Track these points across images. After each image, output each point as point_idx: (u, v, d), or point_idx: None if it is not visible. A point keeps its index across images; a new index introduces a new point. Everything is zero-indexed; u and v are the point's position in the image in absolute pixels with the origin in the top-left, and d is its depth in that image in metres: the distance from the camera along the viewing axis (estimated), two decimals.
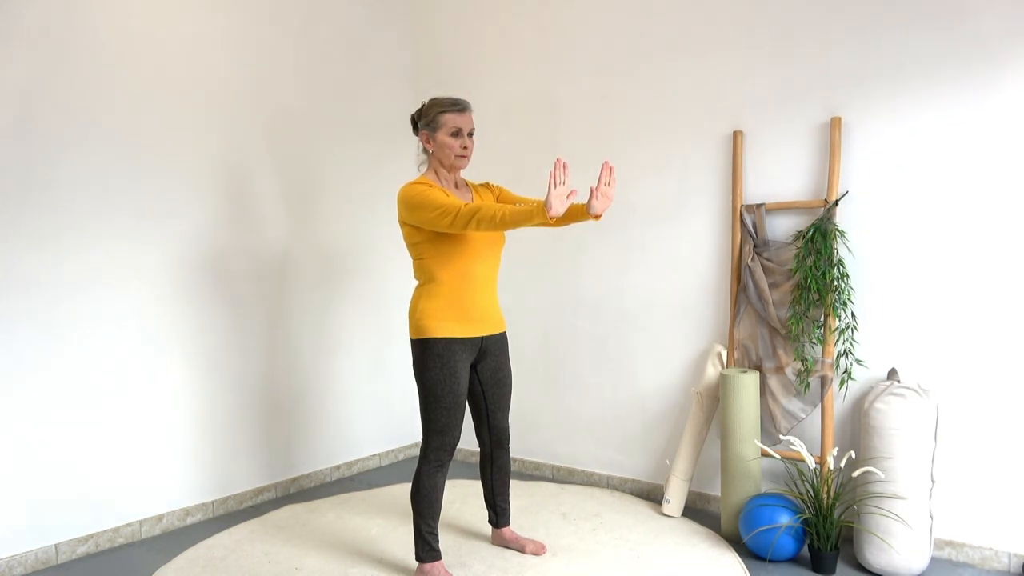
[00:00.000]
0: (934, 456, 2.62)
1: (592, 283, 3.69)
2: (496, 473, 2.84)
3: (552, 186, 2.18)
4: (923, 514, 2.58)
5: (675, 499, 3.20)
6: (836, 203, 2.89)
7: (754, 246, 3.11)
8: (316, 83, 3.85)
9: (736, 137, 3.17)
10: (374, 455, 4.15)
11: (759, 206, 3.09)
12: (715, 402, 3.20)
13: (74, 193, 2.94)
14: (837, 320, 2.90)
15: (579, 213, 2.50)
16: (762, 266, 3.08)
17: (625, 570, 2.67)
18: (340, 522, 3.23)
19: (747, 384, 2.93)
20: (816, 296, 2.89)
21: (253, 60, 3.56)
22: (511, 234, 3.95)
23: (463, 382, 2.56)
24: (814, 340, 2.95)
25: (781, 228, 3.09)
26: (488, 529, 3.10)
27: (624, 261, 3.57)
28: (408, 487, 3.72)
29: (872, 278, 2.88)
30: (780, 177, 3.09)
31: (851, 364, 2.93)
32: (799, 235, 2.98)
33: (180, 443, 3.28)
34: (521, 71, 3.91)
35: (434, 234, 2.52)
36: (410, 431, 4.37)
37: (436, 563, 2.59)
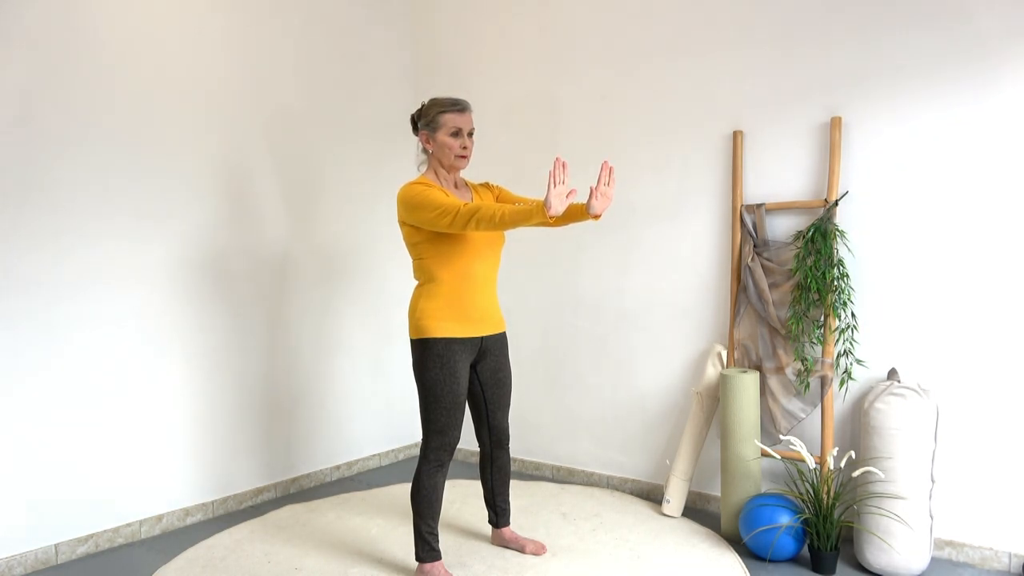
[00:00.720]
0: (934, 456, 2.62)
1: (592, 283, 3.69)
2: (496, 473, 2.84)
3: (551, 185, 2.18)
4: (923, 514, 2.58)
5: (675, 499, 3.20)
6: (836, 203, 2.89)
7: (754, 246, 3.11)
8: (316, 83, 3.85)
9: (736, 137, 3.17)
10: (374, 455, 4.15)
11: (759, 206, 3.09)
12: (715, 402, 3.20)
13: (74, 193, 2.94)
14: (837, 320, 2.90)
15: (579, 213, 2.50)
16: (762, 266, 3.08)
17: (625, 570, 2.67)
18: (340, 522, 3.23)
19: (747, 384, 2.93)
20: (816, 296, 2.89)
21: (253, 60, 3.56)
22: (511, 234, 3.95)
23: (463, 382, 2.56)
24: (814, 340, 2.95)
25: (781, 228, 3.09)
26: (488, 529, 3.10)
27: (624, 261, 3.57)
28: (408, 487, 3.72)
29: (872, 278, 2.88)
30: (780, 177, 3.09)
31: (851, 364, 2.93)
32: (799, 235, 2.98)
33: (180, 443, 3.28)
34: (521, 71, 3.91)
35: (434, 234, 2.52)
36: (410, 431, 4.37)
37: (436, 563, 2.58)
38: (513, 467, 4.04)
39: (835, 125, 2.91)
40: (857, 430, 2.92)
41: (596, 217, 2.34)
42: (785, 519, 2.69)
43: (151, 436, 3.18)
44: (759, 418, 3.01)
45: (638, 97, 3.49)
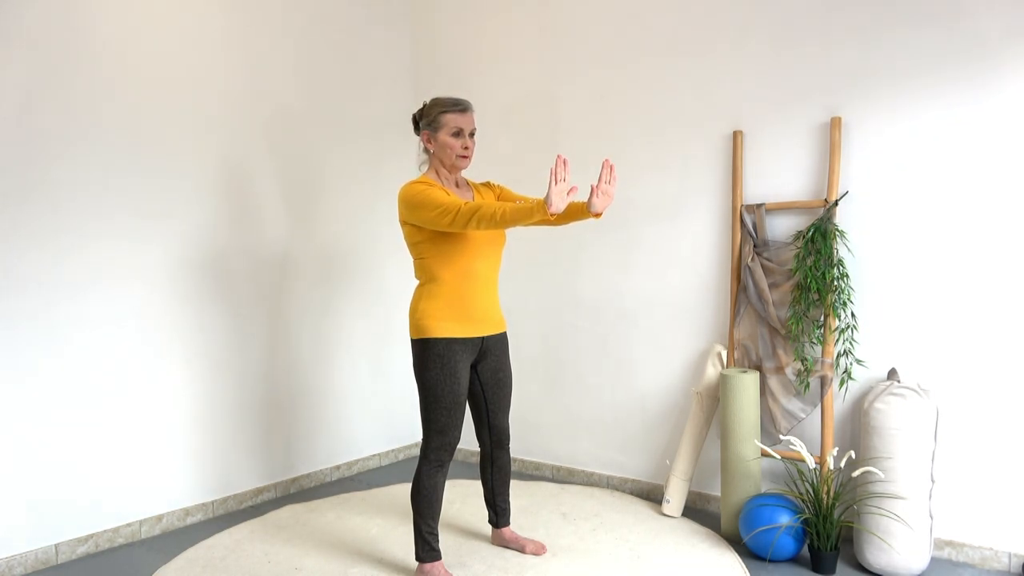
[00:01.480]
0: (934, 456, 2.62)
1: (592, 283, 3.69)
2: (496, 473, 2.84)
3: (553, 182, 2.18)
4: (923, 514, 2.58)
5: (675, 499, 3.20)
6: (836, 203, 2.89)
7: (754, 246, 3.11)
8: (316, 83, 3.85)
9: (736, 137, 3.17)
10: (374, 455, 4.15)
11: (759, 206, 3.09)
12: (715, 402, 3.20)
13: (74, 193, 2.94)
14: (837, 320, 2.90)
15: (580, 211, 2.50)
16: (762, 266, 3.08)
17: (625, 570, 2.67)
18: (340, 522, 3.23)
19: (747, 384, 2.93)
20: (816, 296, 2.89)
21: (253, 60, 3.56)
22: (512, 234, 3.95)
23: (463, 382, 2.56)
24: (814, 340, 2.95)
25: (781, 228, 3.09)
26: (488, 529, 3.10)
27: (624, 261, 3.57)
28: (408, 487, 3.72)
29: (872, 278, 2.88)
30: (780, 177, 3.09)
31: (851, 364, 2.93)
32: (799, 235, 2.98)
33: (180, 443, 3.28)
34: (521, 71, 3.91)
35: (435, 233, 2.52)
36: (410, 431, 4.37)
37: (436, 563, 2.58)
38: (513, 467, 4.04)
39: (835, 125, 2.91)
40: (857, 430, 2.92)
41: (597, 215, 2.34)
42: (785, 519, 2.69)
43: (151, 436, 3.18)
44: (759, 418, 3.01)
45: (638, 97, 3.49)
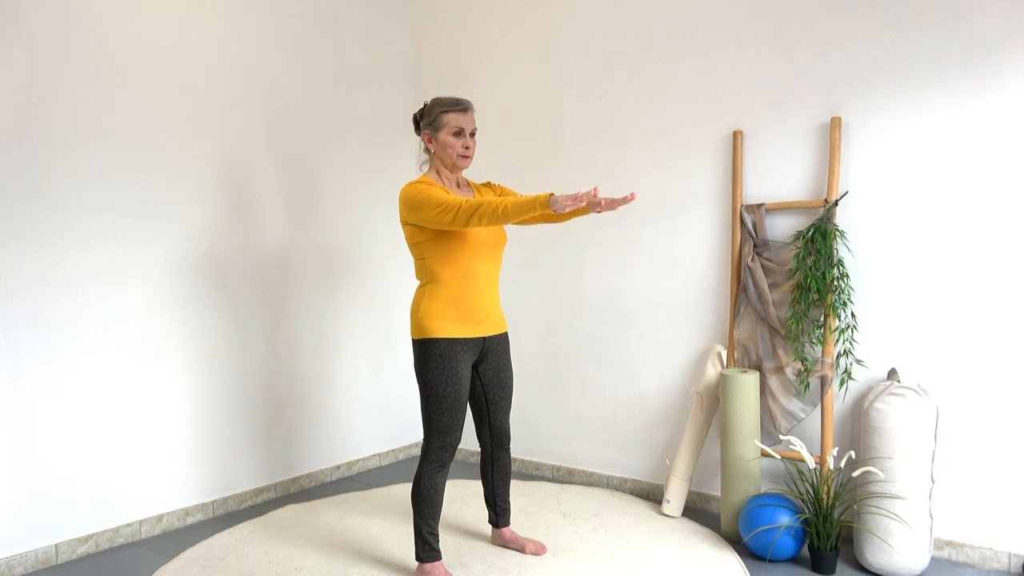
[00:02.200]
0: (934, 456, 2.62)
1: (592, 283, 3.69)
2: (497, 473, 2.84)
3: (573, 197, 2.16)
4: (923, 514, 2.58)
5: (675, 499, 3.20)
6: (836, 203, 2.89)
7: (754, 246, 3.11)
8: (316, 83, 3.85)
9: (736, 137, 3.17)
10: (374, 455, 4.15)
11: (759, 206, 3.09)
12: (715, 402, 3.20)
13: (74, 193, 2.94)
14: (837, 320, 2.90)
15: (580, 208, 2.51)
16: (762, 266, 3.08)
17: (625, 570, 2.67)
18: (340, 522, 3.23)
19: (747, 384, 2.93)
20: (816, 296, 2.89)
21: (254, 60, 3.56)
22: (512, 234, 3.95)
23: (465, 382, 2.56)
24: (814, 340, 2.95)
25: (781, 228, 3.09)
26: (488, 529, 3.10)
27: (624, 261, 3.57)
28: (408, 487, 3.72)
29: (872, 278, 2.89)
30: (780, 177, 3.09)
31: (851, 364, 2.93)
32: (799, 235, 2.98)
33: (180, 443, 3.28)
34: (521, 71, 3.91)
35: (436, 234, 2.52)
36: (410, 431, 4.37)
37: (436, 563, 2.58)
38: (513, 467, 4.04)
39: (835, 125, 2.91)
40: (857, 430, 2.93)
41: (598, 211, 2.32)
42: (785, 519, 2.69)
43: (151, 436, 3.18)
44: (759, 418, 3.01)
45: (638, 97, 3.49)
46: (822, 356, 2.92)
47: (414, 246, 2.58)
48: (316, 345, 3.85)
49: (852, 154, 2.91)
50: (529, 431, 3.98)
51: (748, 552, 2.86)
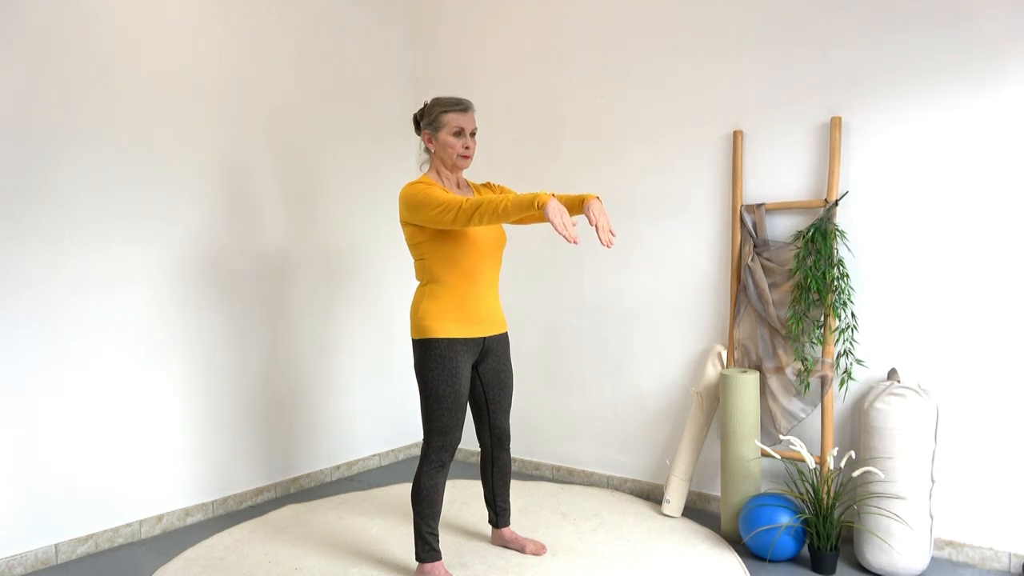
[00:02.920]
0: (934, 456, 2.62)
1: (592, 283, 3.69)
2: (496, 473, 2.84)
3: (559, 224, 2.19)
4: (923, 514, 2.58)
5: (675, 499, 3.20)
6: (836, 203, 2.89)
7: (754, 246, 3.11)
8: (316, 83, 3.85)
9: (736, 137, 3.17)
10: (374, 455, 4.15)
11: (759, 206, 3.09)
12: (715, 402, 3.20)
13: (74, 194, 2.94)
14: (837, 320, 2.90)
15: (573, 208, 2.52)
16: (762, 266, 3.08)
17: (625, 570, 2.67)
18: (340, 522, 3.23)
19: (747, 384, 2.93)
20: (816, 296, 2.89)
21: (253, 60, 3.56)
22: (512, 234, 3.95)
23: (465, 383, 2.56)
24: (814, 340, 2.95)
25: (781, 228, 3.09)
26: (488, 529, 3.10)
27: (624, 261, 3.57)
28: (408, 487, 3.72)
29: (872, 278, 2.89)
30: (780, 177, 3.09)
31: (851, 364, 2.93)
32: (799, 235, 2.98)
33: (180, 443, 3.28)
34: (521, 71, 3.91)
35: (436, 234, 2.52)
36: (410, 431, 4.37)
37: (436, 563, 2.58)
38: (513, 467, 4.04)
39: (835, 125, 2.91)
40: (857, 430, 2.93)
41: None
42: (785, 519, 2.69)
43: (151, 436, 3.18)
44: (759, 418, 3.01)
45: (638, 97, 3.49)
46: (822, 356, 2.92)
47: (414, 246, 2.58)
48: (316, 345, 3.85)
49: (852, 154, 2.91)
50: (529, 431, 3.98)
51: (748, 552, 2.86)
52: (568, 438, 3.83)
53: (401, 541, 3.00)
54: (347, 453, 4.01)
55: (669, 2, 3.38)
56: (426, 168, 2.70)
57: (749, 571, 2.70)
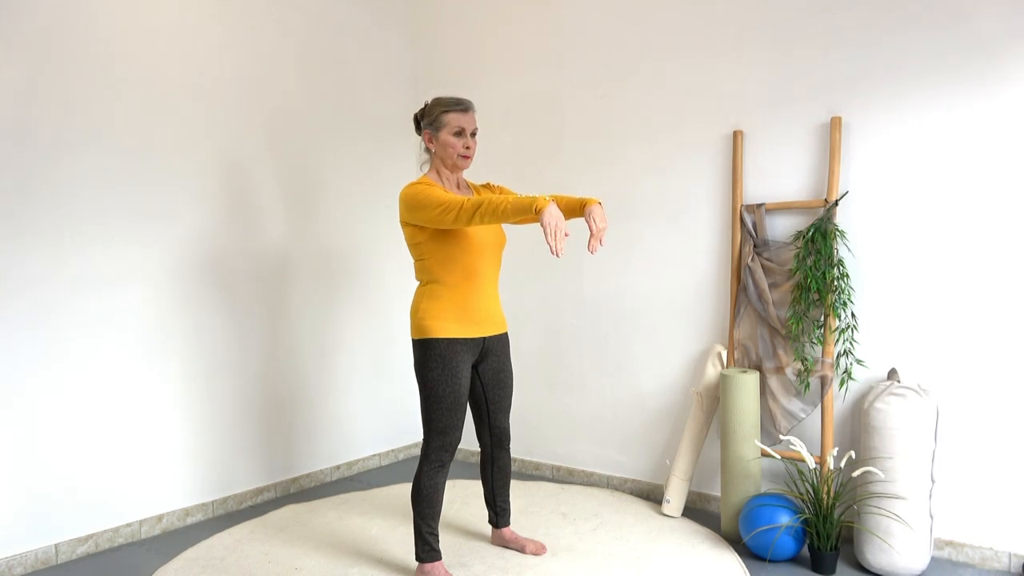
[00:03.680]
0: (934, 456, 2.62)
1: (592, 283, 3.69)
2: (496, 473, 2.84)
3: (551, 235, 2.20)
4: (923, 514, 2.58)
5: (675, 499, 3.20)
6: (836, 203, 2.89)
7: (754, 246, 3.11)
8: (316, 83, 3.85)
9: (736, 137, 3.17)
10: (374, 455, 4.15)
11: (759, 206, 3.09)
12: (715, 402, 3.20)
13: (75, 194, 2.94)
14: (837, 320, 2.90)
15: (573, 211, 2.52)
16: (762, 266, 3.08)
17: (625, 570, 2.67)
18: (340, 522, 3.23)
19: (747, 384, 2.93)
20: (816, 296, 2.89)
21: (253, 60, 3.56)
22: (512, 234, 3.95)
23: (465, 383, 2.56)
24: (814, 340, 2.95)
25: (781, 228, 3.09)
26: (488, 529, 3.10)
27: (624, 261, 3.57)
28: (408, 487, 3.72)
29: (872, 278, 2.89)
30: (780, 177, 3.09)
31: (851, 364, 2.93)
32: (799, 235, 2.98)
33: (180, 443, 3.28)
34: (521, 71, 3.91)
35: (436, 234, 2.52)
36: (410, 431, 4.37)
37: (436, 563, 2.58)
38: (513, 467, 4.04)
39: (835, 125, 2.91)
40: (857, 430, 2.93)
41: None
42: (785, 519, 2.69)
43: (151, 436, 3.18)
44: (759, 418, 3.01)
45: (638, 97, 3.49)
46: (822, 356, 2.92)
47: (414, 247, 2.58)
48: (316, 345, 3.85)
49: (852, 154, 2.91)
50: (529, 431, 3.98)
51: (748, 552, 2.86)
52: (568, 438, 3.83)
53: (401, 541, 3.00)
54: (347, 453, 4.01)
55: (669, 2, 3.38)
56: (426, 168, 2.70)
57: (749, 571, 2.70)
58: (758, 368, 3.11)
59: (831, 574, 2.66)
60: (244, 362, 3.52)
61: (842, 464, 2.73)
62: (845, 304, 2.88)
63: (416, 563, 2.71)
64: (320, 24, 3.88)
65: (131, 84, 3.10)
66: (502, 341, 2.72)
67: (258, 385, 3.58)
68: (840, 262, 2.86)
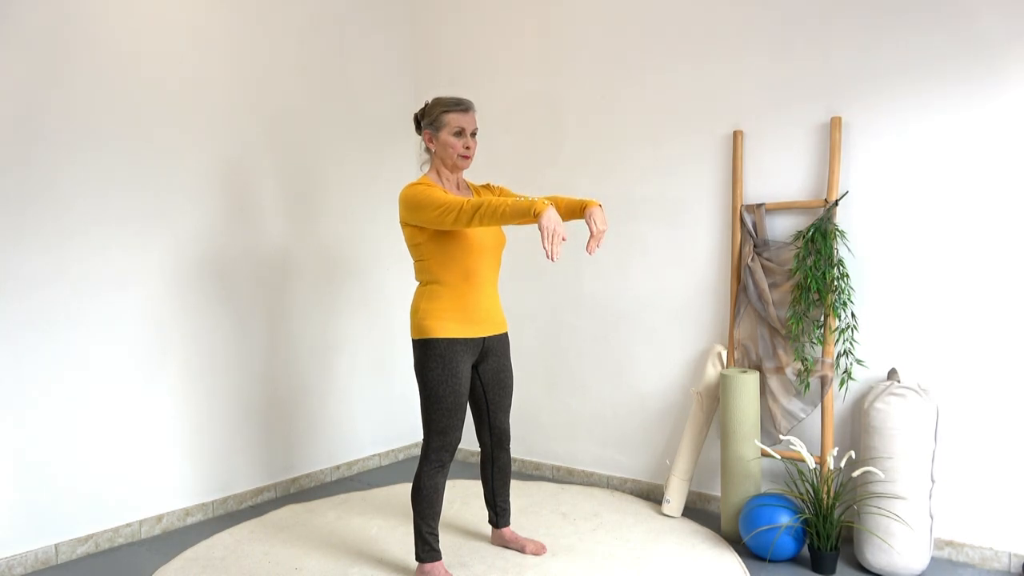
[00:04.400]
0: (934, 456, 2.62)
1: (592, 283, 3.69)
2: (496, 473, 2.84)
3: (548, 240, 2.20)
4: (923, 514, 2.58)
5: (675, 499, 3.20)
6: (836, 203, 2.89)
7: (754, 246, 3.11)
8: (317, 84, 3.85)
9: (736, 137, 3.17)
10: (374, 455, 4.15)
11: (759, 206, 3.09)
12: (715, 402, 3.20)
13: (75, 195, 2.94)
14: (837, 320, 2.90)
15: (573, 212, 2.52)
16: (762, 266, 3.08)
17: (625, 570, 2.67)
18: (340, 522, 3.23)
19: (747, 384, 2.93)
20: (816, 296, 2.89)
21: (253, 61, 3.56)
22: (512, 234, 3.95)
23: (465, 383, 2.56)
24: (814, 340, 2.95)
25: (781, 228, 3.09)
26: (488, 529, 3.10)
27: (624, 261, 3.57)
28: (408, 487, 3.72)
29: (872, 278, 2.89)
30: (780, 177, 3.09)
31: (851, 364, 2.93)
32: (799, 235, 2.98)
33: (180, 443, 3.28)
34: (522, 71, 3.91)
35: (436, 234, 2.52)
36: (410, 431, 4.37)
37: (436, 563, 2.58)
38: (513, 467, 4.04)
39: (835, 125, 2.91)
40: (857, 430, 2.93)
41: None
42: (785, 519, 2.69)
43: (151, 436, 3.18)
44: (759, 418, 3.01)
45: (638, 97, 3.49)
46: (822, 356, 2.92)
47: (414, 247, 2.58)
48: (316, 345, 3.85)
49: (852, 154, 2.91)
50: (529, 431, 3.98)
51: (748, 552, 2.86)
52: (568, 438, 3.83)
53: (401, 541, 3.00)
54: (347, 453, 4.01)
55: (669, 2, 3.38)
56: (426, 168, 2.70)
57: (749, 571, 2.70)
58: (758, 368, 3.11)
59: (831, 574, 2.66)
60: (244, 362, 3.52)
61: (842, 464, 2.73)
62: (845, 304, 2.88)
63: (416, 563, 2.71)
64: (320, 24, 3.88)
65: (132, 85, 3.10)
66: (502, 341, 2.72)
67: (258, 385, 3.58)
68: (840, 262, 2.86)
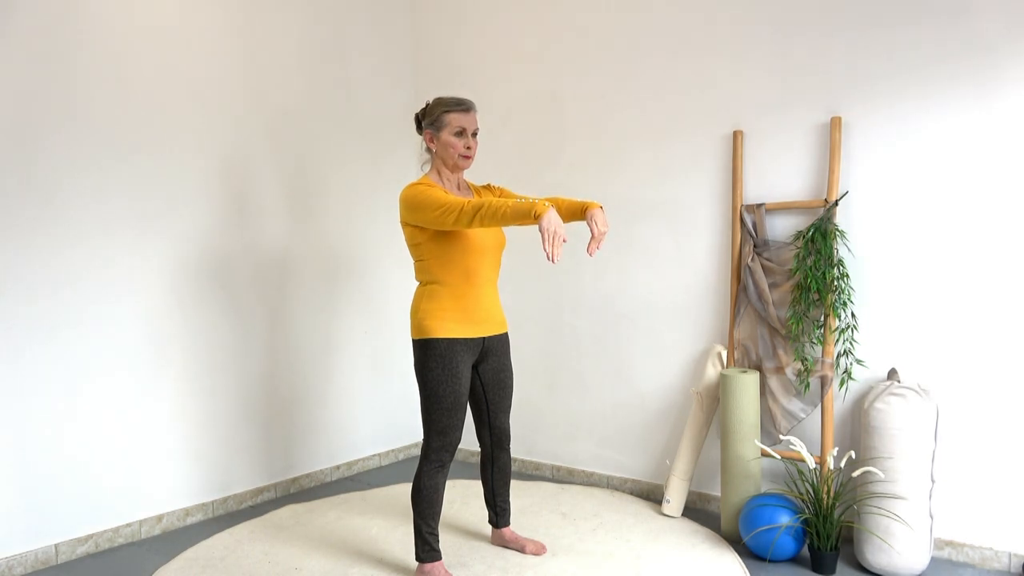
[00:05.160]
0: (934, 456, 2.62)
1: (592, 283, 3.69)
2: (496, 473, 2.84)
3: (548, 242, 2.20)
4: (923, 514, 2.59)
5: (675, 499, 3.20)
6: (836, 203, 2.89)
7: (754, 246, 3.11)
8: (316, 83, 3.85)
9: (736, 137, 3.17)
10: (374, 455, 4.15)
11: (759, 206, 3.09)
12: (715, 402, 3.20)
13: (74, 195, 2.94)
14: (837, 320, 2.90)
15: (574, 214, 2.52)
16: (762, 266, 3.08)
17: (625, 570, 2.67)
18: (340, 522, 3.23)
19: (747, 384, 2.93)
20: (816, 296, 2.89)
21: (253, 60, 3.56)
22: (512, 235, 3.95)
23: (465, 383, 2.56)
24: (814, 340, 2.95)
25: (781, 228, 3.10)
26: (488, 529, 3.10)
27: (624, 261, 3.57)
28: (408, 487, 3.72)
29: (872, 278, 2.89)
30: (780, 177, 3.09)
31: (851, 364, 2.93)
32: (799, 235, 2.98)
33: (180, 443, 3.28)
34: (522, 71, 3.91)
35: (436, 235, 2.52)
36: (410, 431, 4.37)
37: (436, 563, 2.59)
38: (513, 467, 4.04)
39: (835, 125, 2.91)
40: (857, 430, 2.93)
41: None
42: (785, 519, 2.69)
43: (151, 436, 3.18)
44: (759, 418, 3.01)
45: (639, 97, 3.49)
46: (822, 356, 2.92)
47: (414, 247, 2.58)
48: (316, 345, 3.85)
49: (852, 154, 2.91)
50: (529, 431, 3.98)
51: (748, 552, 2.86)
52: (568, 438, 3.83)
53: (401, 541, 3.00)
54: (347, 453, 4.01)
55: (669, 2, 3.38)
56: (427, 168, 2.70)
57: (749, 571, 2.70)
58: (758, 368, 3.11)
59: (831, 574, 2.66)
60: (244, 362, 3.52)
61: (842, 464, 2.73)
62: (845, 304, 2.89)
63: (416, 563, 2.71)
64: (320, 24, 3.88)
65: (132, 85, 3.10)
66: (502, 341, 2.72)
67: (258, 385, 3.58)
68: (840, 262, 2.86)
